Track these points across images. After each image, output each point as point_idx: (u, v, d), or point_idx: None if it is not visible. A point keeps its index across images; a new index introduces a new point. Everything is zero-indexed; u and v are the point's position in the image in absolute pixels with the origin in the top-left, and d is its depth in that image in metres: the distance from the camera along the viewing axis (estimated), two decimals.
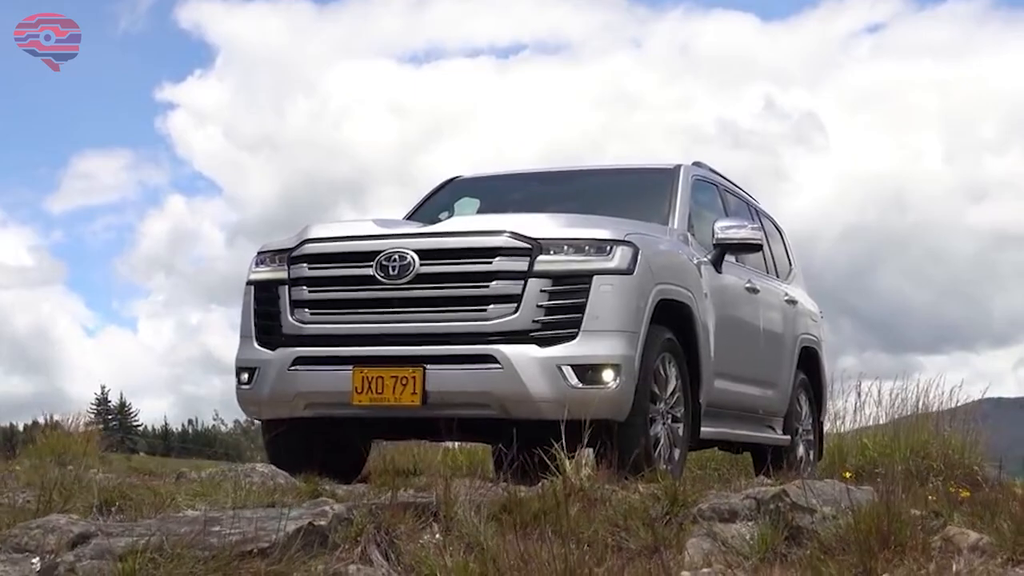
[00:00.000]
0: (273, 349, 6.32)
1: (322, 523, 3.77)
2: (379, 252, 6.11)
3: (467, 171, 8.45)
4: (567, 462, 4.81)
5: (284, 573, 3.39)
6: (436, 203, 7.96)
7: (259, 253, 6.61)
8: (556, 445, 4.94)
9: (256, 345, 6.42)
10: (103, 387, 31.90)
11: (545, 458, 4.93)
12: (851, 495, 4.07)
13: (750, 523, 4.15)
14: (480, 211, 7.65)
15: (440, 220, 6.90)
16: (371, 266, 6.10)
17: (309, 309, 6.27)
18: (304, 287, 6.29)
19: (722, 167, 8.32)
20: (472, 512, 4.08)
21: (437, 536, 3.93)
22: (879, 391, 10.46)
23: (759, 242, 7.42)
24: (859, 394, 10.37)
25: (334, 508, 3.90)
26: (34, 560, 3.50)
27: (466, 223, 6.51)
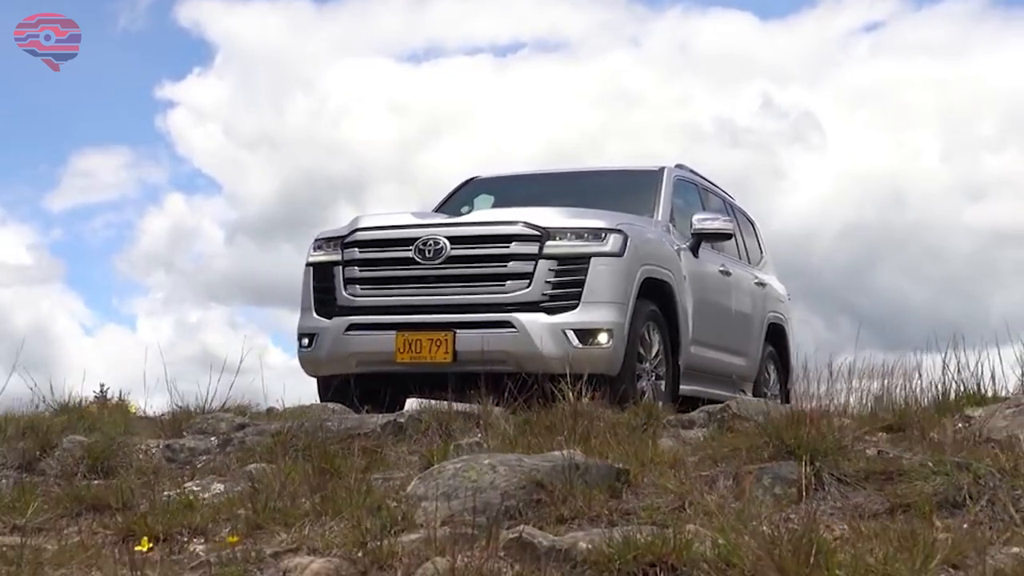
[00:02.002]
0: (330, 318, 8.33)
1: (401, 421, 5.81)
2: (417, 238, 8.13)
3: (471, 169, 10.55)
4: (571, 393, 6.82)
5: (380, 447, 5.42)
6: (458, 199, 10.02)
7: (316, 240, 8.63)
8: (563, 382, 6.93)
9: (315, 315, 8.43)
10: (102, 385, 33.43)
11: (555, 390, 6.93)
12: (775, 408, 6.12)
13: (703, 429, 6.18)
14: (495, 206, 9.68)
15: (463, 213, 8.93)
16: (411, 250, 8.12)
17: (359, 285, 8.28)
18: (355, 267, 8.31)
19: (720, 165, 10.50)
20: (503, 421, 6.11)
21: (479, 435, 5.96)
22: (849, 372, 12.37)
23: (730, 232, 9.48)
24: (831, 372, 12.31)
25: (408, 412, 5.95)
26: (212, 438, 5.54)
27: (488, 215, 8.54)
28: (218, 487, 4.73)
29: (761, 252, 11.31)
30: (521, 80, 39.60)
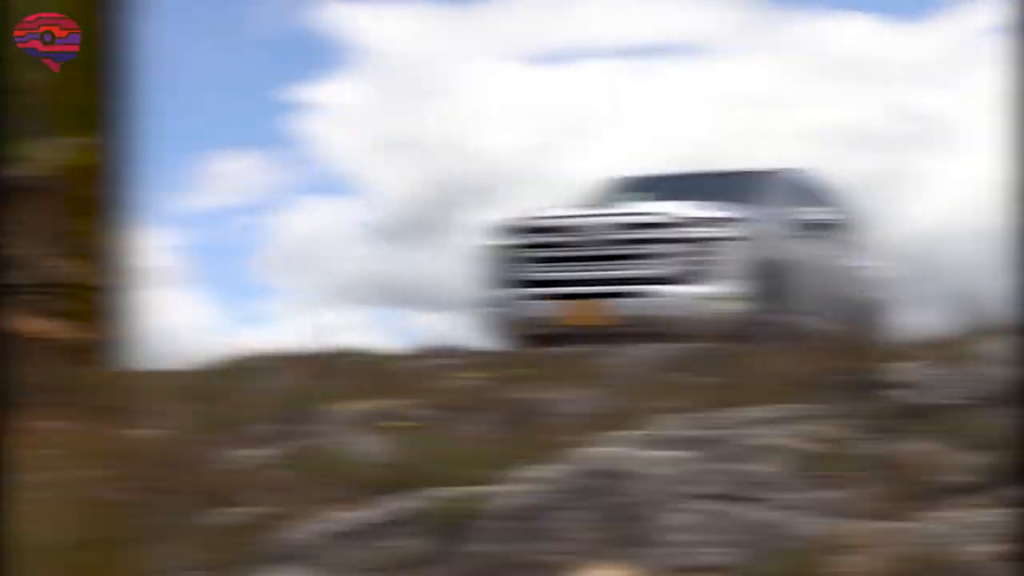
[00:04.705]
0: (511, 290, 11.65)
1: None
2: (582, 225, 11.42)
3: (604, 171, 13.88)
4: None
5: None
6: (609, 194, 13.35)
7: (499, 226, 11.94)
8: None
9: (499, 288, 11.75)
10: None
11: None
12: None
13: None
14: (639, 200, 12.94)
15: (618, 205, 12.22)
16: (576, 234, 11.41)
17: (535, 263, 11.59)
18: (533, 249, 11.61)
19: (850, 168, 13.72)
20: None
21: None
22: None
23: (833, 223, 12.69)
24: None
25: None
26: None
27: (639, 207, 11.83)
28: None
29: (864, 242, 14.49)
30: (656, 82, 42.49)
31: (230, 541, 5.00)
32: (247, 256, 42.35)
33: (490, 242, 12.00)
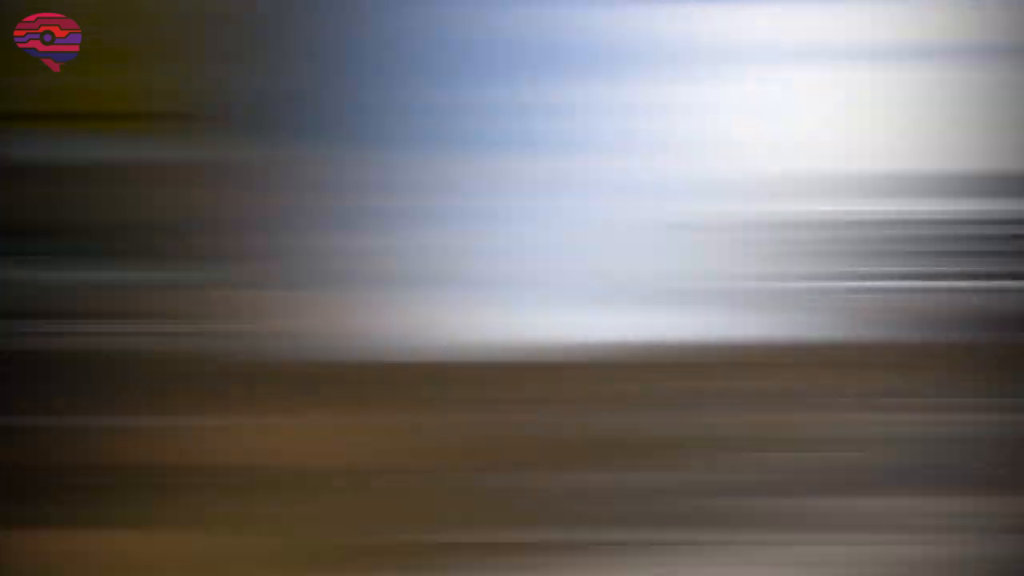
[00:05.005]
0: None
1: None
2: (926, 220, 11.15)
3: (923, 167, 13.37)
4: None
5: None
6: (922, 189, 13.01)
7: (832, 222, 11.80)
8: None
9: (839, 282, 11.61)
10: None
11: None
12: None
13: None
14: (980, 194, 12.59)
15: (942, 200, 11.87)
16: (921, 228, 11.13)
17: (880, 256, 11.38)
18: (881, 242, 11.41)
19: None
20: None
21: None
22: None
23: None
24: None
25: None
26: None
27: (985, 202, 11.48)
28: None
29: None
30: (943, 83, 41.48)
31: (566, 504, 5.12)
32: (526, 255, 43.48)
33: (821, 235, 11.87)
